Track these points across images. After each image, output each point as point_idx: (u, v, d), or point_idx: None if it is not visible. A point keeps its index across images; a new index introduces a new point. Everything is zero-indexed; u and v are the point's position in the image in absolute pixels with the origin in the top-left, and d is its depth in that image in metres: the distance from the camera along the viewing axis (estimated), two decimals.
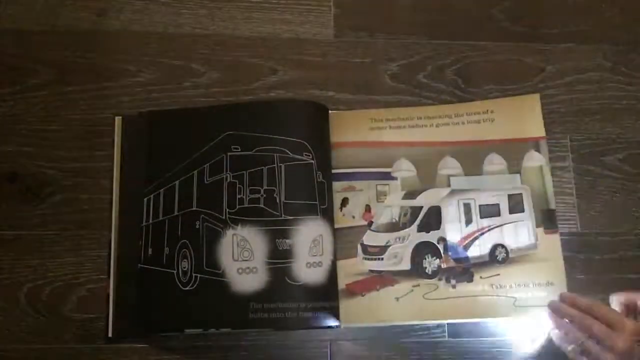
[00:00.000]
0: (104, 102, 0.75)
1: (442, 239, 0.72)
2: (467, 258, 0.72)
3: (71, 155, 0.73)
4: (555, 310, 0.69)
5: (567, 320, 0.67)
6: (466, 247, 0.72)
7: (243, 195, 0.68)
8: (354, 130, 0.75)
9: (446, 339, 0.72)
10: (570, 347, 0.65)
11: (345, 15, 0.81)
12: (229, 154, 0.69)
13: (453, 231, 0.72)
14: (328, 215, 0.70)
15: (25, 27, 0.76)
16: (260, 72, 0.78)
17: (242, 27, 0.79)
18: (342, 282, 0.70)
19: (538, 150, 0.76)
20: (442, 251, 0.72)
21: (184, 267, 0.68)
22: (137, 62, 0.77)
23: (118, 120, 0.74)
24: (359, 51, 0.80)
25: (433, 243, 0.72)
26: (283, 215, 0.68)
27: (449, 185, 0.74)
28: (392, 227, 0.73)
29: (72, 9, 0.78)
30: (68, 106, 0.74)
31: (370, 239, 0.73)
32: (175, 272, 0.68)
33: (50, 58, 0.76)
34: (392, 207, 0.74)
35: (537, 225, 0.74)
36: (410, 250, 0.72)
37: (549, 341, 0.69)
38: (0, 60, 0.75)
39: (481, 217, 0.74)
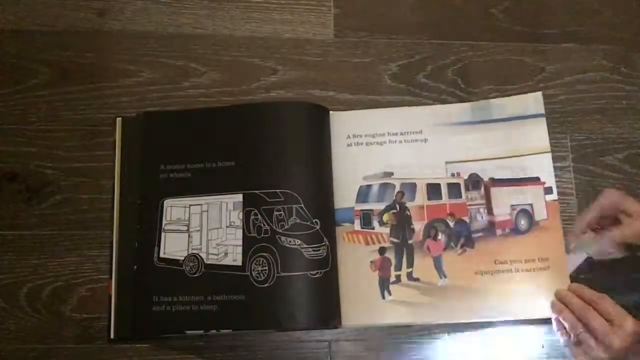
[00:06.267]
0: (104, 102, 0.75)
1: None
2: None
3: (71, 155, 0.73)
4: (561, 298, 0.68)
5: (569, 310, 0.67)
6: None
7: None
8: None
9: (446, 339, 0.72)
10: (566, 336, 0.66)
11: (345, 15, 0.81)
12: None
13: None
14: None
15: (25, 27, 0.76)
16: (260, 72, 0.78)
17: (242, 27, 0.79)
18: None
19: None
20: None
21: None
22: (137, 62, 0.77)
23: (119, 120, 0.73)
24: (359, 51, 0.80)
25: None
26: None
27: None
28: None
29: (72, 9, 0.78)
30: (68, 106, 0.74)
31: None
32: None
33: (50, 58, 0.76)
34: None
35: None
36: None
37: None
38: (1, 60, 0.75)
39: None
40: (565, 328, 0.66)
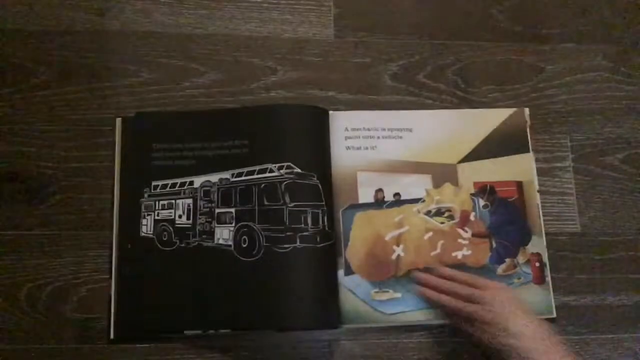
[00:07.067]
0: (104, 102, 0.75)
1: None
2: None
3: (71, 155, 0.73)
4: (422, 280, 0.70)
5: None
6: None
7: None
8: None
9: (446, 339, 0.72)
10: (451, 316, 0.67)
11: (345, 15, 0.81)
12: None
13: None
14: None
15: (25, 27, 0.76)
16: (260, 72, 0.78)
17: (242, 27, 0.79)
18: None
19: None
20: None
21: None
22: (137, 62, 0.77)
23: (119, 120, 0.73)
24: (359, 51, 0.80)
25: None
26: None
27: None
28: None
29: (72, 9, 0.78)
30: (68, 106, 0.74)
31: None
32: None
33: (50, 58, 0.75)
34: None
35: None
36: None
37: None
38: (1, 60, 0.75)
39: None
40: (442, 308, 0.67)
